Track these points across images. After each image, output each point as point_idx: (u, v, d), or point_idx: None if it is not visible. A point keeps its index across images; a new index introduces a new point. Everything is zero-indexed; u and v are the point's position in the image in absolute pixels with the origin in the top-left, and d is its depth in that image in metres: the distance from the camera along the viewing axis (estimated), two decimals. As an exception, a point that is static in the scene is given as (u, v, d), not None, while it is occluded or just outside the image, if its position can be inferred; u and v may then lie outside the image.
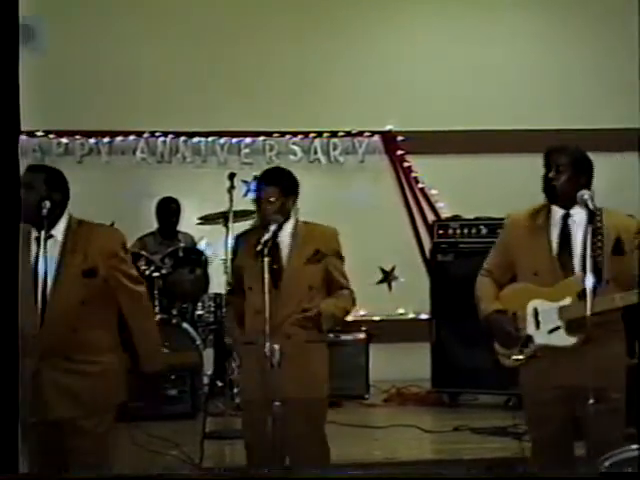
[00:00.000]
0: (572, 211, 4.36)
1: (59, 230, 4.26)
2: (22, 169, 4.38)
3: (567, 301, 4.29)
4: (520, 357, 4.40)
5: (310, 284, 4.61)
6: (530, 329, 4.38)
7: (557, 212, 4.41)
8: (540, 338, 4.35)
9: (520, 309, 4.38)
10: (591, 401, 4.07)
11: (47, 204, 4.19)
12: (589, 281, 4.09)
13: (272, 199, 4.62)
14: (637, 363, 5.21)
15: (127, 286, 4.33)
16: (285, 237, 4.66)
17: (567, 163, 4.36)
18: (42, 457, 4.29)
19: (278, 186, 4.66)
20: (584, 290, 4.11)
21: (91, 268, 4.22)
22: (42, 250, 4.18)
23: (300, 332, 4.51)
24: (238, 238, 4.91)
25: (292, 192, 4.71)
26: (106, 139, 8.14)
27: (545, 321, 4.34)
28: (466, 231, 7.30)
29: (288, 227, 4.68)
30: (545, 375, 4.34)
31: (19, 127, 3.20)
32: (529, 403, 4.55)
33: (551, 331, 4.32)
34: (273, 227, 4.60)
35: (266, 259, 4.45)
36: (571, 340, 4.28)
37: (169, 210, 7.75)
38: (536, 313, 4.37)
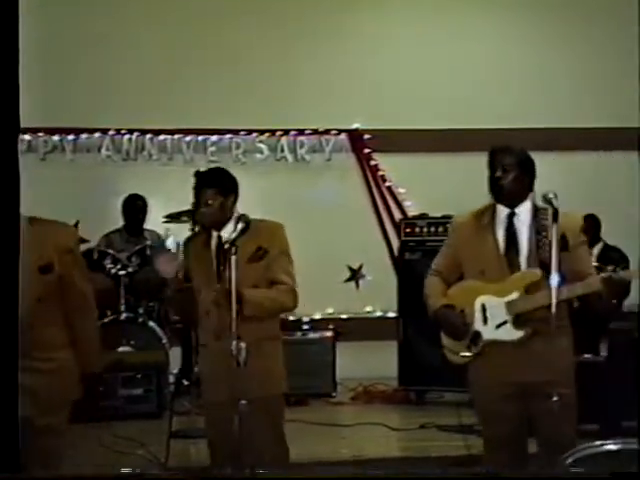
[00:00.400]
0: (517, 210, 4.43)
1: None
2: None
3: (514, 295, 4.34)
4: (468, 354, 4.44)
5: (253, 283, 4.55)
6: (478, 325, 4.42)
7: (502, 211, 4.48)
8: (488, 333, 4.39)
9: (468, 306, 4.43)
10: (542, 396, 4.12)
11: None
12: (536, 275, 4.24)
13: (210, 201, 4.61)
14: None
15: (76, 283, 4.30)
16: (226, 237, 4.61)
17: (513, 163, 4.43)
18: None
19: (217, 187, 4.64)
20: (531, 284, 4.26)
21: (47, 264, 4.17)
22: None
23: (250, 330, 4.47)
24: (187, 243, 4.90)
25: (232, 191, 4.69)
26: (70, 136, 8.10)
27: (493, 316, 4.38)
28: (433, 229, 7.33)
29: (229, 227, 4.64)
30: (494, 372, 4.38)
31: (19, 125, 3.19)
32: (479, 400, 4.58)
33: (499, 326, 4.36)
34: (241, 226, 4.57)
35: (213, 262, 4.58)
36: (518, 334, 4.33)
37: (135, 207, 7.71)
38: (484, 309, 4.41)
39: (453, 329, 4.46)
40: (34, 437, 4.18)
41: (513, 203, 4.44)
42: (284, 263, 4.67)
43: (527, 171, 4.46)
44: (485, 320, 4.40)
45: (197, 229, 5.07)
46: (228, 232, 4.57)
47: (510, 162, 4.42)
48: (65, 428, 4.31)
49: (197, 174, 4.80)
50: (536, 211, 4.40)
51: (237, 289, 4.30)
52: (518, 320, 4.32)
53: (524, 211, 4.43)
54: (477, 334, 4.41)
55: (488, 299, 4.40)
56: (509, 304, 4.34)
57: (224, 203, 4.63)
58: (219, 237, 4.65)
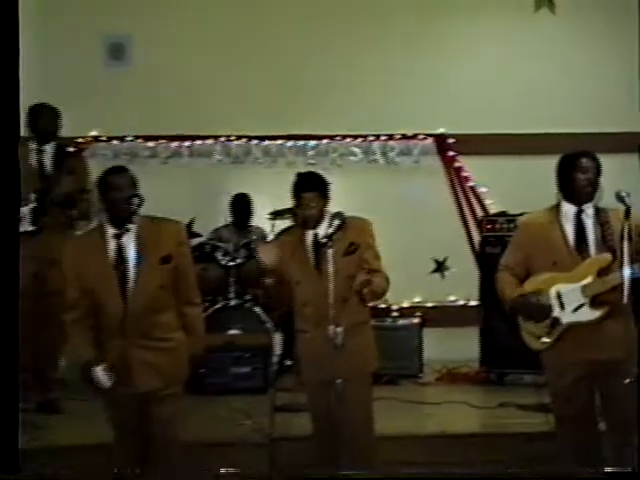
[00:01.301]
0: (584, 207, 4.55)
1: (134, 225, 4.40)
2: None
3: (589, 279, 4.40)
4: (548, 339, 4.48)
5: (349, 274, 4.64)
6: (555, 311, 4.46)
7: (570, 209, 4.58)
8: (566, 317, 4.46)
9: (543, 295, 4.48)
10: (615, 374, 4.16)
11: (136, 201, 4.36)
12: (606, 259, 4.37)
13: (312, 204, 4.70)
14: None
15: (187, 273, 4.51)
16: (322, 234, 4.72)
17: (592, 166, 4.54)
18: (125, 425, 4.46)
19: (317, 192, 4.73)
20: (602, 268, 4.36)
21: (166, 256, 4.38)
22: (121, 243, 4.36)
23: (346, 317, 4.58)
24: (280, 236, 5.02)
25: (328, 195, 4.77)
26: (187, 143, 8.29)
27: (569, 301, 4.45)
28: (512, 225, 7.27)
29: (324, 225, 4.74)
30: (569, 353, 4.44)
31: (19, 131, 3.17)
32: (554, 381, 4.61)
33: (576, 309, 4.43)
34: (331, 229, 4.67)
35: (310, 258, 4.69)
36: (596, 314, 4.40)
37: (242, 205, 7.88)
38: (559, 295, 4.47)
39: (534, 311, 4.51)
40: (158, 406, 4.39)
41: (585, 201, 4.54)
42: (374, 254, 4.78)
43: (599, 173, 4.55)
44: (562, 306, 4.46)
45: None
46: (323, 229, 4.70)
47: (589, 165, 4.53)
48: (182, 398, 4.51)
49: (299, 176, 4.84)
50: (597, 208, 4.53)
51: (366, 280, 4.49)
52: (594, 301, 4.39)
53: (590, 208, 4.54)
54: (556, 320, 4.46)
55: (563, 286, 4.46)
56: (584, 287, 4.41)
57: (322, 206, 4.74)
58: (315, 234, 4.76)
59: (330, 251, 4.53)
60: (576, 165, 4.55)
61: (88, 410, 5.67)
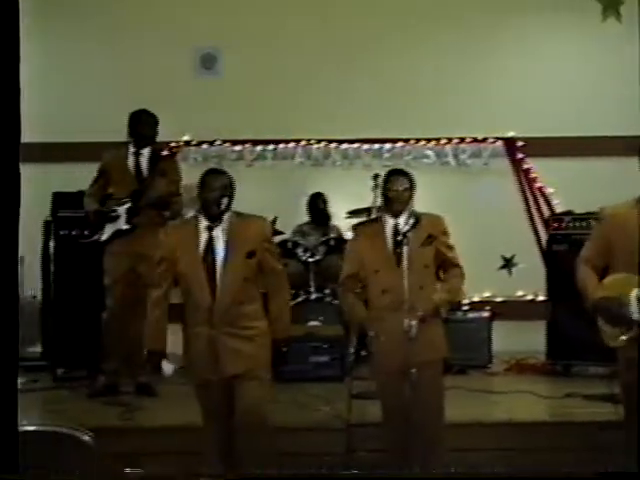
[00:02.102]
0: None
1: (225, 220, 4.46)
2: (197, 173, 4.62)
3: None
4: (625, 338, 4.37)
5: (426, 264, 4.68)
6: (635, 314, 4.32)
7: None
8: None
9: (623, 296, 4.35)
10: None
11: (226, 200, 4.44)
12: None
13: (403, 187, 4.74)
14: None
15: (274, 265, 4.54)
16: (402, 226, 4.74)
17: None
18: (213, 409, 4.51)
19: (408, 183, 4.78)
20: None
21: (251, 250, 4.41)
22: (212, 235, 4.42)
23: (421, 305, 4.58)
24: (357, 228, 5.00)
25: (414, 189, 4.81)
26: (271, 146, 8.32)
27: None
28: (578, 224, 7.22)
29: (404, 218, 4.76)
30: None
31: (19, 133, 3.01)
32: (626, 374, 4.50)
33: None
34: (411, 220, 4.68)
35: (389, 247, 4.66)
36: None
37: (318, 203, 7.90)
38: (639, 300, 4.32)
39: (615, 318, 4.38)
40: (244, 390, 4.41)
41: None
42: (449, 243, 4.80)
43: None
44: None
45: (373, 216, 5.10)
46: (402, 221, 4.70)
47: None
48: (266, 384, 4.52)
49: (393, 170, 4.92)
50: None
51: (435, 303, 4.59)
52: None
53: None
54: (633, 321, 4.35)
55: None
56: None
57: (410, 194, 4.76)
58: (396, 225, 4.75)
59: (405, 247, 4.58)
60: None
61: (181, 394, 5.78)
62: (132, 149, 6.33)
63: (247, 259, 4.42)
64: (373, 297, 4.76)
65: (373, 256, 4.73)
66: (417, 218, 4.68)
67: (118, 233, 6.25)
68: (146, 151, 6.34)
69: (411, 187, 4.81)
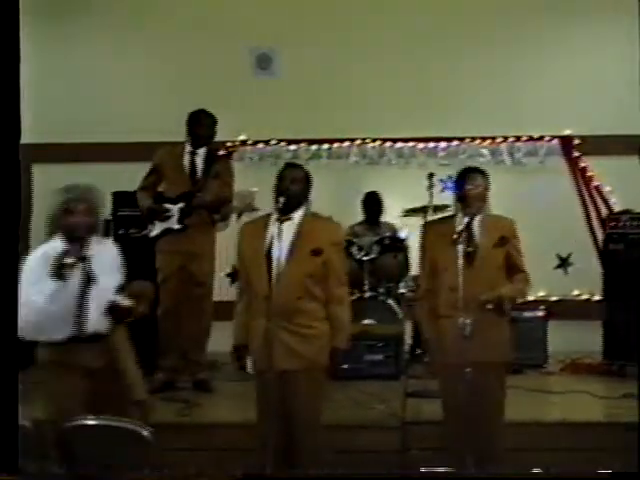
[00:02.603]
0: None
1: (297, 216, 4.48)
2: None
3: None
4: None
5: (498, 265, 4.69)
6: None
7: None
8: None
9: None
10: None
11: (297, 194, 4.49)
12: None
13: (480, 184, 4.74)
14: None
15: (337, 269, 4.51)
16: (476, 225, 4.74)
17: None
18: (267, 405, 4.46)
19: (483, 181, 4.78)
20: None
21: (318, 248, 4.42)
22: (280, 230, 4.41)
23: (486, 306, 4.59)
24: (428, 226, 5.00)
25: (488, 188, 4.80)
26: (325, 146, 8.34)
27: None
28: (635, 223, 7.14)
29: (478, 217, 4.76)
30: None
31: (19, 133, 3.03)
32: None
33: None
34: (466, 219, 4.69)
35: (460, 246, 4.58)
36: None
37: (372, 202, 7.90)
38: None
39: None
40: (298, 387, 4.43)
41: None
42: (519, 249, 4.81)
43: None
44: None
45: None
46: (477, 220, 4.72)
47: None
48: (320, 384, 4.54)
49: (468, 168, 4.92)
50: None
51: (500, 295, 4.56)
52: None
53: None
54: None
55: None
56: None
57: (485, 194, 4.77)
58: (469, 223, 4.73)
59: (482, 241, 4.63)
60: None
61: (237, 391, 5.83)
62: (188, 148, 6.38)
63: (312, 256, 4.41)
64: (440, 294, 4.73)
65: (444, 254, 4.69)
66: (490, 219, 4.71)
67: (168, 231, 6.33)
68: (202, 151, 6.39)
69: (486, 186, 4.79)
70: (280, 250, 4.40)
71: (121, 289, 4.33)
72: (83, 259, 4.18)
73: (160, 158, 6.43)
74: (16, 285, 3.04)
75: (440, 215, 6.52)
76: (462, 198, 4.77)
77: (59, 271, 4.06)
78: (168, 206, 6.31)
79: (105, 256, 4.36)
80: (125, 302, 4.27)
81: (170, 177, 6.39)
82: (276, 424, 4.44)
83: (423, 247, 4.96)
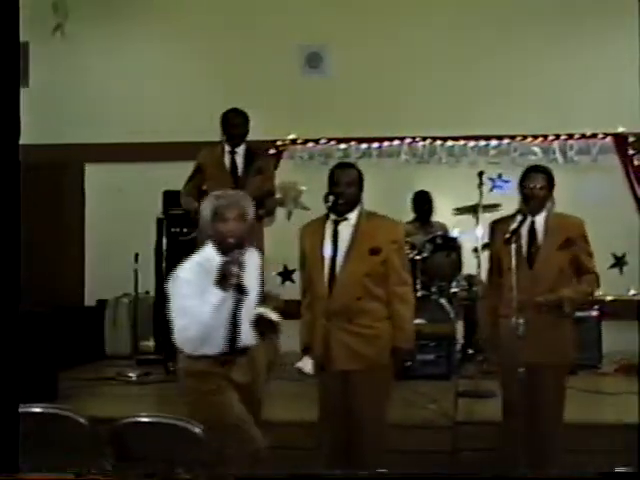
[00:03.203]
0: None
1: (353, 216, 4.46)
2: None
3: None
4: None
5: (561, 267, 4.61)
6: None
7: None
8: None
9: None
10: None
11: (345, 195, 4.44)
12: None
13: (540, 185, 4.66)
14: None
15: (397, 269, 4.45)
16: (540, 225, 4.68)
17: None
18: (327, 404, 4.48)
19: (545, 180, 4.69)
20: None
21: (376, 247, 4.37)
22: (337, 230, 4.41)
23: (549, 308, 4.52)
24: (495, 225, 4.91)
25: (552, 188, 4.71)
26: (375, 144, 8.32)
27: None
28: (690, 221, 7.04)
29: (542, 217, 4.70)
30: None
31: (19, 132, 2.94)
32: None
33: None
34: (519, 217, 4.64)
35: (513, 245, 4.52)
36: None
37: (423, 201, 7.86)
38: None
39: None
40: (356, 386, 4.40)
41: None
42: (589, 251, 4.73)
43: None
44: None
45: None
46: (540, 220, 4.65)
47: None
48: (384, 384, 4.49)
49: (532, 167, 4.84)
50: None
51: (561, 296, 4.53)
52: None
53: None
54: None
55: None
56: None
57: (547, 193, 4.70)
58: (532, 223, 4.69)
59: (513, 246, 4.54)
60: None
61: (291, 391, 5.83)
62: (227, 148, 6.45)
63: (370, 255, 4.36)
64: (502, 294, 4.68)
65: (507, 254, 4.62)
66: (557, 219, 4.64)
67: None
68: (241, 149, 6.45)
69: (549, 185, 4.71)
70: (338, 251, 4.39)
71: (262, 300, 4.16)
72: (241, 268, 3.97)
73: (202, 159, 6.50)
74: (17, 281, 2.88)
75: (491, 214, 6.48)
76: (524, 197, 4.72)
77: (224, 281, 3.89)
78: None
79: (250, 265, 4.13)
80: (272, 316, 4.07)
81: (213, 176, 6.44)
82: (338, 424, 4.44)
83: (489, 245, 4.94)
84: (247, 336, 4.10)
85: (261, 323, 4.07)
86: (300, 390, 5.13)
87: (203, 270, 4.01)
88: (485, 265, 6.46)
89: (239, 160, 6.43)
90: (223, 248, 4.07)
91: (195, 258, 4.15)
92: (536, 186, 4.67)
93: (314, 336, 4.45)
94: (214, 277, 3.91)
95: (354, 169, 4.59)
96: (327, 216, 4.48)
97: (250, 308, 4.07)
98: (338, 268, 4.37)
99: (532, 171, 4.76)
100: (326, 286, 4.37)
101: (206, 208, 4.10)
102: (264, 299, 4.17)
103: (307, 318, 4.53)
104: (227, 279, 3.89)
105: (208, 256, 4.10)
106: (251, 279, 4.08)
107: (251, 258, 4.17)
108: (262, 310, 4.09)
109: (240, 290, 3.94)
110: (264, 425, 4.27)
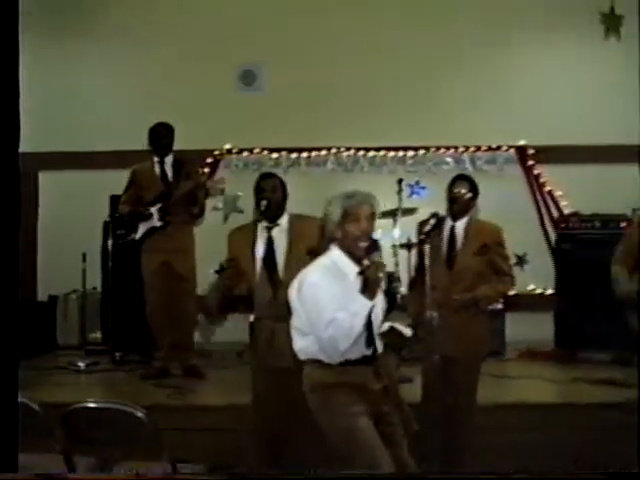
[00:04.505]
0: None
1: (284, 221, 4.45)
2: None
3: None
4: None
5: (477, 270, 4.65)
6: None
7: None
8: None
9: None
10: None
11: (272, 201, 4.44)
12: None
13: (463, 191, 4.72)
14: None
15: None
16: (460, 230, 4.71)
17: None
18: (269, 396, 4.39)
19: (469, 187, 4.76)
20: None
21: (312, 247, 4.16)
22: (271, 235, 4.39)
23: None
24: (420, 225, 4.92)
25: (476, 195, 4.77)
26: (304, 154, 8.33)
27: None
28: (584, 224, 7.23)
29: (463, 222, 4.73)
30: None
31: (18, 140, 2.82)
32: None
33: None
34: (433, 221, 4.69)
35: (428, 246, 4.58)
36: None
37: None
38: None
39: None
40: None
41: None
42: (504, 255, 4.78)
43: None
44: None
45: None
46: (461, 225, 4.71)
47: None
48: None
49: (457, 175, 4.95)
50: None
51: (475, 296, 4.55)
52: None
53: None
54: None
55: None
56: None
57: (470, 199, 4.76)
58: (453, 227, 4.73)
59: (464, 247, 4.63)
60: None
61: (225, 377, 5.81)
62: (156, 158, 6.47)
63: (308, 255, 4.19)
64: (424, 291, 4.67)
65: (431, 254, 4.66)
66: (477, 225, 4.70)
67: (152, 230, 6.36)
68: (169, 159, 6.49)
69: (473, 192, 4.75)
70: (276, 254, 4.35)
71: (388, 311, 3.62)
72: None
73: (134, 171, 6.56)
74: (17, 280, 2.75)
75: (409, 218, 6.57)
76: (449, 200, 4.77)
77: (370, 289, 3.44)
78: (148, 208, 6.35)
79: None
80: (406, 330, 3.59)
81: (145, 185, 6.48)
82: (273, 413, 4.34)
83: (417, 244, 4.95)
84: (378, 343, 3.64)
85: (392, 335, 3.60)
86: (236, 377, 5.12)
87: (338, 275, 3.56)
88: (403, 264, 6.66)
89: (168, 168, 6.46)
90: (354, 251, 3.60)
91: (321, 263, 3.64)
92: (460, 191, 4.72)
93: (260, 334, 4.39)
94: (350, 284, 3.49)
95: (276, 177, 4.59)
96: (255, 223, 4.44)
97: (378, 315, 3.59)
98: (280, 271, 4.34)
99: (458, 178, 4.83)
100: (270, 289, 4.32)
101: (334, 209, 3.69)
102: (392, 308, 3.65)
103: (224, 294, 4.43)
104: (373, 286, 3.44)
105: (334, 259, 3.62)
106: None
107: None
108: (396, 324, 3.59)
109: (390, 297, 3.52)
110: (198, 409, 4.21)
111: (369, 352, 3.58)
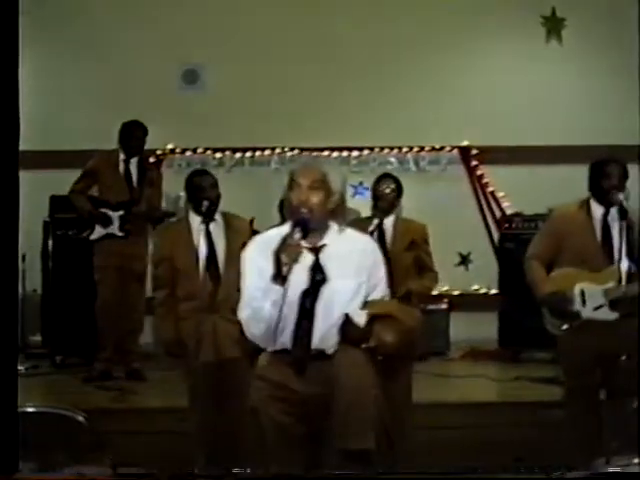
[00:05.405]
0: (612, 209, 4.37)
1: (218, 216, 4.50)
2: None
3: (610, 284, 4.29)
4: (566, 326, 4.43)
5: (407, 266, 4.81)
6: (577, 306, 4.38)
7: (597, 209, 4.42)
8: (586, 313, 4.36)
9: (568, 290, 4.39)
10: (615, 357, 4.10)
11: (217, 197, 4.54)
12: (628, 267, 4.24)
13: (390, 195, 4.85)
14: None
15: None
16: (389, 228, 4.82)
17: (621, 173, 4.36)
18: (205, 389, 4.45)
19: (394, 185, 4.91)
20: (625, 276, 4.24)
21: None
22: (209, 232, 4.44)
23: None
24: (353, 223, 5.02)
25: (400, 193, 4.87)
26: (248, 153, 8.32)
27: (591, 300, 4.34)
28: (526, 224, 7.34)
29: (390, 220, 4.85)
30: (584, 341, 4.36)
31: (18, 140, 2.84)
32: (569, 362, 4.57)
33: (596, 308, 4.32)
34: (376, 221, 4.77)
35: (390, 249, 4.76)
36: (614, 315, 4.30)
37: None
38: (582, 293, 4.36)
39: (561, 313, 4.42)
40: (233, 373, 4.40)
41: (612, 204, 4.35)
42: (429, 252, 4.97)
43: (626, 178, 4.37)
44: (584, 302, 4.36)
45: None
46: (389, 222, 4.87)
47: (619, 172, 4.34)
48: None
49: (382, 174, 5.16)
50: (624, 212, 4.31)
51: (409, 289, 4.63)
52: (613, 304, 4.29)
53: (613, 210, 4.35)
54: (576, 314, 4.39)
55: (587, 286, 4.34)
56: (606, 291, 4.30)
57: (395, 197, 4.91)
58: (380, 224, 4.87)
59: (394, 244, 4.76)
60: (602, 171, 4.35)
61: (167, 379, 5.79)
62: (122, 157, 6.36)
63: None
64: None
65: None
66: (404, 223, 4.86)
67: (110, 236, 6.29)
68: (135, 160, 6.39)
69: (397, 190, 4.88)
70: (216, 251, 4.41)
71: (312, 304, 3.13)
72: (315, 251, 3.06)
73: (96, 163, 6.39)
74: (16, 279, 2.73)
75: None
76: (375, 198, 4.90)
77: (279, 272, 3.00)
78: (108, 213, 6.27)
79: (347, 253, 3.16)
80: (360, 319, 3.05)
81: (107, 183, 6.36)
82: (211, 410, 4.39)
83: None
84: (324, 340, 3.13)
85: (347, 326, 3.10)
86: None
87: (269, 248, 3.09)
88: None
89: (133, 170, 6.38)
90: (295, 224, 3.09)
91: (270, 232, 3.28)
92: (385, 189, 4.85)
93: (196, 330, 4.41)
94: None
95: (210, 174, 4.65)
96: (187, 220, 4.49)
97: (335, 304, 3.13)
98: (221, 266, 4.37)
99: (383, 177, 4.99)
100: (210, 283, 4.37)
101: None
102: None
103: (173, 314, 4.47)
104: (282, 270, 2.97)
105: (283, 232, 3.13)
106: (345, 269, 3.14)
107: (353, 244, 3.25)
108: (351, 312, 3.08)
109: (315, 280, 3.02)
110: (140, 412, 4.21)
111: (299, 349, 3.13)
